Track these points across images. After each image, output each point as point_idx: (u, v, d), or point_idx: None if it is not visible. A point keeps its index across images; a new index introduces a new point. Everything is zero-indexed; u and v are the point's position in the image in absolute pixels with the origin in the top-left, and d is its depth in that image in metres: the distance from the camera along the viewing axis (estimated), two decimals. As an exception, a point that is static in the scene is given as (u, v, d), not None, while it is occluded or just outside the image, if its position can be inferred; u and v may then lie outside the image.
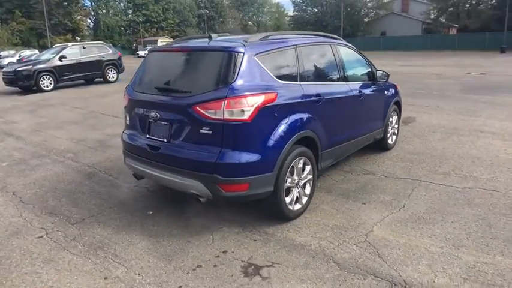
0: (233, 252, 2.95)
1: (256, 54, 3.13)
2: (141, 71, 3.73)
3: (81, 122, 8.05)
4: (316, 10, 50.60)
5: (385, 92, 5.06)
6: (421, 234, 3.10)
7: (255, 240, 3.09)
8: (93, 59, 15.11)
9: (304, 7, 53.57)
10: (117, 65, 16.10)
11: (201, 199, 3.09)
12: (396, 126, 5.55)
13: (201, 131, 2.97)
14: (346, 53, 4.44)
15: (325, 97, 3.66)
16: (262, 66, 3.15)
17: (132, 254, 2.95)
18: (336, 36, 4.61)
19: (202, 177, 2.97)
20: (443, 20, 47.64)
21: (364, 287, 2.50)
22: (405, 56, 30.31)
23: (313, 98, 3.51)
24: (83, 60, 14.73)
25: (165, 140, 3.22)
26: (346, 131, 4.11)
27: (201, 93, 3.02)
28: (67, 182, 4.53)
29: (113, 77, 15.89)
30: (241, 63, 3.01)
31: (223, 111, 2.87)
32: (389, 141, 5.35)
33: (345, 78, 4.20)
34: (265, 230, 3.25)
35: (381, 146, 5.23)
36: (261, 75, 3.12)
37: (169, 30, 65.90)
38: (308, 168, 3.47)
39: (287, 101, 3.22)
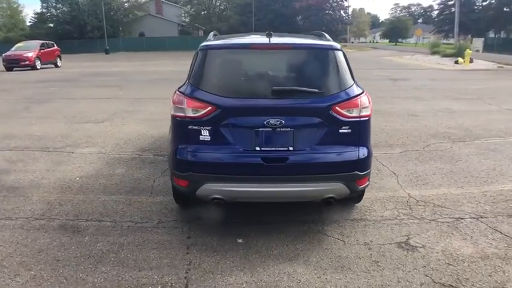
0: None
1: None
2: (217, 72, 3.12)
3: None
4: (69, 8, 45.78)
5: None
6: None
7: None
8: None
9: (54, 4, 47.32)
10: None
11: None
12: None
13: (340, 131, 2.94)
14: None
15: None
16: None
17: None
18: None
19: (344, 177, 2.96)
20: (196, 24, 52.91)
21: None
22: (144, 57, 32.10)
23: None
24: None
25: (291, 148, 2.92)
26: None
27: (335, 93, 2.97)
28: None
29: None
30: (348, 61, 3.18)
31: (360, 109, 2.98)
32: None
33: None
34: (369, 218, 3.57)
35: None
36: None
37: None
38: None
39: None
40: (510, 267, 2.73)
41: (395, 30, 72.97)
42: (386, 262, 2.81)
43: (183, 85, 3.22)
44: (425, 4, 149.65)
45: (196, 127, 2.92)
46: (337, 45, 3.18)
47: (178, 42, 46.46)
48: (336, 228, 3.30)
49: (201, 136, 2.92)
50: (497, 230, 3.27)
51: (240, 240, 3.12)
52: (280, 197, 3.09)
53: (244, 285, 2.55)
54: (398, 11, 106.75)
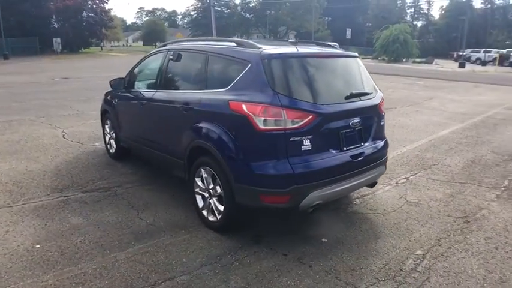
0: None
1: None
2: (300, 80, 3.09)
3: None
4: None
5: None
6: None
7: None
8: None
9: None
10: None
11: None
12: None
13: (381, 123, 3.63)
14: None
15: None
16: None
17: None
18: None
19: (384, 161, 3.69)
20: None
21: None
22: None
23: None
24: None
25: (362, 144, 3.36)
26: None
27: (375, 93, 3.57)
28: None
29: None
30: None
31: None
32: None
33: None
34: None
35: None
36: None
37: None
38: None
39: None
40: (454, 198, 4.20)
41: (153, 34, 75.17)
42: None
43: (240, 95, 3.02)
44: (169, 9, 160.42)
45: (298, 138, 2.89)
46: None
47: None
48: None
49: (302, 146, 2.91)
50: (430, 179, 4.78)
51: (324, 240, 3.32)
52: (357, 188, 3.52)
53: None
54: (144, 15, 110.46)
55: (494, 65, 32.59)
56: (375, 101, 3.54)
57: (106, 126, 5.51)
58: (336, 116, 3.12)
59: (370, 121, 3.46)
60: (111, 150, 5.46)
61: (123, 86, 4.82)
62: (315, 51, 3.52)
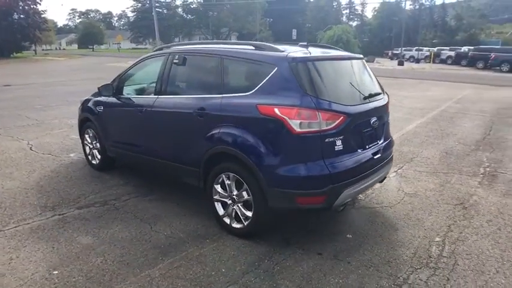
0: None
1: None
2: (328, 82, 3.12)
3: None
4: None
5: None
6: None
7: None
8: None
9: None
10: None
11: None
12: None
13: (388, 121, 3.78)
14: None
15: None
16: None
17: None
18: None
19: (392, 157, 3.85)
20: None
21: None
22: None
23: None
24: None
25: (378, 142, 3.49)
26: None
27: (384, 92, 3.69)
28: None
29: None
30: None
31: None
32: None
33: None
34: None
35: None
36: None
37: None
38: None
39: None
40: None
41: (89, 36, 71.01)
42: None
43: (270, 97, 2.99)
44: (103, 10, 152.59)
45: (332, 139, 2.93)
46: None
47: None
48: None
49: (335, 147, 2.96)
50: (417, 171, 5.11)
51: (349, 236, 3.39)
52: (374, 184, 3.61)
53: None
54: (76, 17, 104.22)
55: (426, 62, 35.40)
56: (385, 100, 3.71)
57: (87, 136, 5.12)
58: (360, 116, 3.21)
59: (383, 120, 3.61)
60: (93, 162, 5.09)
61: (111, 92, 4.51)
62: (334, 54, 3.58)
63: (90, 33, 67.75)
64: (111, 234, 3.40)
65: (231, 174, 3.23)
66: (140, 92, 4.57)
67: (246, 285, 2.68)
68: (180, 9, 57.05)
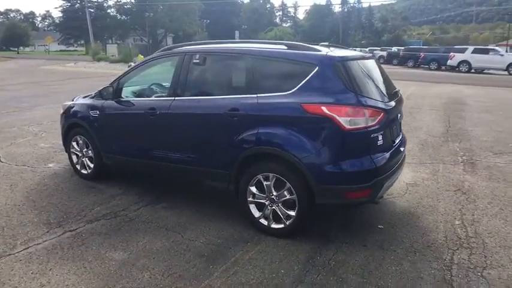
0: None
1: None
2: (362, 80, 3.18)
3: None
4: None
5: None
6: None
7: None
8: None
9: None
10: None
11: None
12: None
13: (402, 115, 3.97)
14: None
15: None
16: None
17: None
18: None
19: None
20: None
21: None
22: None
23: None
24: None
25: (400, 136, 3.70)
26: None
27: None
28: None
29: None
30: None
31: None
32: None
33: None
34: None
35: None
36: None
37: None
38: None
39: None
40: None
41: (14, 37, 64.13)
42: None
43: (311, 96, 3.02)
44: (25, 10, 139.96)
45: (375, 134, 3.05)
46: None
47: None
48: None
49: (378, 142, 3.08)
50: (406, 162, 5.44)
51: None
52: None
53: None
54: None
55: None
56: (402, 96, 3.93)
57: (74, 144, 4.68)
58: (392, 112, 3.38)
59: (401, 116, 3.85)
60: (83, 171, 4.67)
61: (111, 95, 4.17)
62: (360, 54, 3.75)
63: (14, 34, 61.10)
64: (142, 246, 3.16)
65: (271, 175, 3.18)
66: (154, 94, 4.30)
67: (313, 283, 2.67)
68: (113, 10, 54.20)
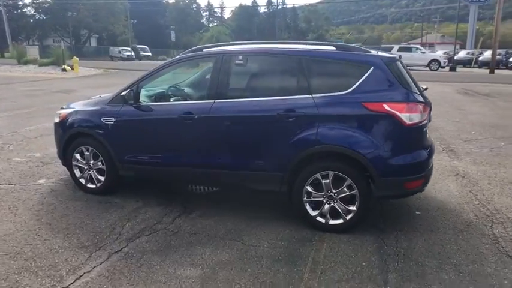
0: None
1: None
2: (402, 78, 3.33)
3: None
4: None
5: None
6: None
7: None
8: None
9: None
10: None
11: None
12: None
13: None
14: None
15: None
16: None
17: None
18: None
19: None
20: None
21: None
22: None
23: None
24: None
25: None
26: None
27: None
28: None
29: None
30: None
31: None
32: None
33: None
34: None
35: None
36: None
37: None
38: None
39: None
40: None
41: None
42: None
43: (367, 93, 3.15)
44: None
45: (425, 128, 3.31)
46: None
47: None
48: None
49: (426, 134, 3.37)
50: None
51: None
52: None
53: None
54: None
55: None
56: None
57: (77, 156, 4.22)
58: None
59: None
60: (90, 185, 4.24)
61: (132, 99, 3.84)
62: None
63: None
64: (209, 259, 2.99)
65: (330, 172, 3.23)
66: (187, 97, 4.10)
67: (399, 269, 2.82)
68: (29, 9, 48.96)
